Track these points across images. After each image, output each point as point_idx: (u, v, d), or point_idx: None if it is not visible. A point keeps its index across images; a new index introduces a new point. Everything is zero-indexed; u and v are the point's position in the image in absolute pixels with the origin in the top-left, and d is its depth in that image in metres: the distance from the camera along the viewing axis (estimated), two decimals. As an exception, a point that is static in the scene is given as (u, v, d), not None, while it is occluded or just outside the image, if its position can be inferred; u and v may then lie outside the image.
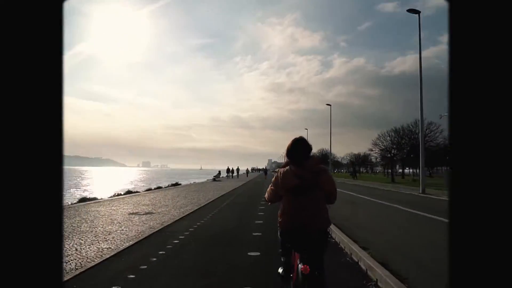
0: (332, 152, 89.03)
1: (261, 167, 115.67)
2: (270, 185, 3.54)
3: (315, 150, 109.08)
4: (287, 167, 3.30)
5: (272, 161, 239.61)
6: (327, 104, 65.40)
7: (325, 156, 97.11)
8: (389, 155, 57.21)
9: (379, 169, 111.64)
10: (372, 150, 62.52)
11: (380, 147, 57.25)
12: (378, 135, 56.37)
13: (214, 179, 49.97)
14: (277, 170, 3.76)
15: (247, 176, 69.95)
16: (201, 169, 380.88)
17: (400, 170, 79.51)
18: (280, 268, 3.60)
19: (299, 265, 3.11)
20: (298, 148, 3.32)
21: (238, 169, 65.07)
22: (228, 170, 61.34)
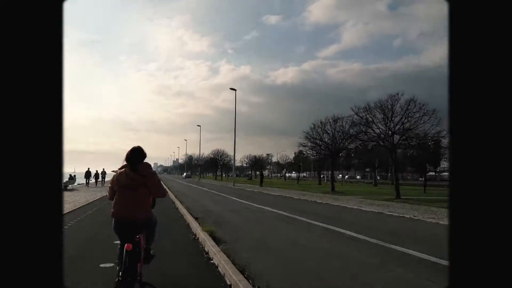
0: (224, 155, 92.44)
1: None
2: (109, 184, 4.51)
3: (208, 153, 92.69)
4: (123, 169, 4.28)
5: (158, 164, 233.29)
6: (231, 89, 50.16)
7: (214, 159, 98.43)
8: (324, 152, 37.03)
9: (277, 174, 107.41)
10: (303, 146, 39.83)
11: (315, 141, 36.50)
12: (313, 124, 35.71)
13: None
14: (116, 171, 4.65)
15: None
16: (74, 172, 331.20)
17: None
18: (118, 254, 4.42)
19: (124, 245, 4.01)
20: (133, 155, 4.29)
21: (104, 173, 39.17)
22: (88, 174, 36.45)
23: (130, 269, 3.99)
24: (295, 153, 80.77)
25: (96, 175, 38.12)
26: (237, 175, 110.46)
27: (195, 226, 9.74)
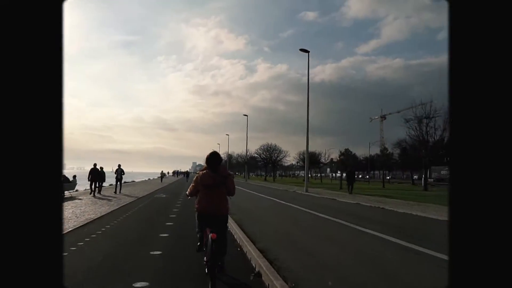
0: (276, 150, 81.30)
1: (184, 170, 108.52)
2: (191, 184, 5.25)
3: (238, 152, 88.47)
4: (205, 171, 5.07)
5: (197, 163, 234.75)
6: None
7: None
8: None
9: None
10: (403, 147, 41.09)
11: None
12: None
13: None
14: (197, 172, 5.42)
15: (161, 182, 46.69)
16: (112, 171, 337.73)
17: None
18: (198, 244, 5.27)
19: (209, 235, 4.66)
20: (213, 158, 5.07)
21: (119, 172, 24.39)
22: (95, 175, 21.41)
23: (217, 255, 4.64)
24: (341, 152, 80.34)
25: (95, 176, 21.33)
26: (288, 175, 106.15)
27: None
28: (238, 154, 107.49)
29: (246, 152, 76.20)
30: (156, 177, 70.47)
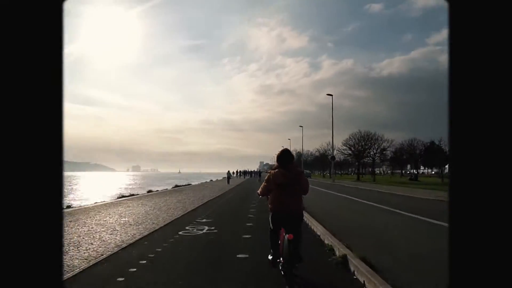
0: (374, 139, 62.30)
1: (252, 169, 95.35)
2: (263, 183, 5.16)
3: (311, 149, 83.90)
4: (277, 170, 4.96)
5: (264, 163, 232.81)
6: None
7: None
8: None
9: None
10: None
11: None
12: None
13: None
14: (269, 171, 5.38)
15: (228, 184, 42.06)
16: (179, 172, 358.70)
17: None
18: (269, 255, 5.27)
19: (285, 235, 4.56)
20: (285, 156, 4.98)
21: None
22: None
23: (295, 256, 4.55)
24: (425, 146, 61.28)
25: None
26: (368, 173, 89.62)
27: None
28: (310, 152, 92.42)
29: (332, 144, 56.48)
30: (221, 178, 63.38)
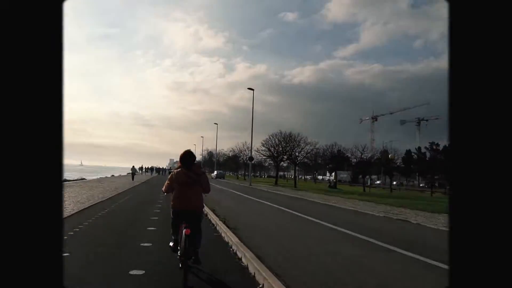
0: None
1: (161, 167, 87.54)
2: (167, 181, 5.53)
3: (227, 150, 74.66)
4: (179, 169, 5.38)
5: (174, 160, 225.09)
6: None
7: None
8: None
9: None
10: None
11: None
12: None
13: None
14: (172, 170, 6.21)
15: (132, 179, 37.59)
16: (81, 165, 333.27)
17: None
18: (170, 242, 5.54)
19: (183, 230, 4.91)
20: (187, 157, 5.36)
21: None
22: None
23: (190, 250, 4.91)
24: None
25: None
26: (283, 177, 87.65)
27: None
28: (223, 151, 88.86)
29: (252, 143, 51.06)
30: (126, 174, 58.33)
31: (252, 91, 46.14)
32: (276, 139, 50.45)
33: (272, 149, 51.19)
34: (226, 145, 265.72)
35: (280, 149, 50.45)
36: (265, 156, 55.17)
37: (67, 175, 45.12)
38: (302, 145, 48.35)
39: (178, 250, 5.25)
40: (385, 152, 56.10)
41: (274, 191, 31.91)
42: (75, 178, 39.41)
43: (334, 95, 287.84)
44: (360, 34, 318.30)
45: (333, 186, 50.42)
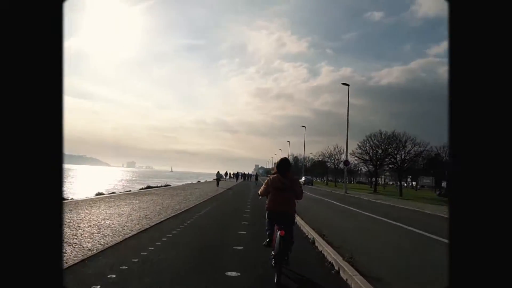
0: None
1: (247, 172, 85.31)
2: (263, 185, 6.03)
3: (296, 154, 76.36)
4: (275, 175, 5.77)
5: (259, 166, 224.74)
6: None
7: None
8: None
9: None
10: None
11: None
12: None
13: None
14: (269, 175, 6.48)
15: (217, 185, 35.65)
16: (171, 171, 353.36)
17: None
18: (264, 242, 6.03)
19: (278, 232, 5.33)
20: (283, 164, 5.81)
21: None
22: None
23: (284, 250, 5.23)
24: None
25: None
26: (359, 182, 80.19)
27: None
28: (309, 156, 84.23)
29: (347, 147, 41.39)
30: (211, 180, 55.88)
31: (347, 86, 39.89)
32: (376, 140, 43.98)
33: (370, 152, 44.74)
34: (308, 150, 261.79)
35: (380, 151, 43.85)
36: (362, 160, 48.44)
37: (155, 181, 44.66)
38: (409, 146, 41.08)
39: (271, 247, 5.65)
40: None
41: (381, 201, 26.29)
42: (160, 185, 39.02)
43: (425, 95, 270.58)
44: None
45: (444, 194, 42.81)
